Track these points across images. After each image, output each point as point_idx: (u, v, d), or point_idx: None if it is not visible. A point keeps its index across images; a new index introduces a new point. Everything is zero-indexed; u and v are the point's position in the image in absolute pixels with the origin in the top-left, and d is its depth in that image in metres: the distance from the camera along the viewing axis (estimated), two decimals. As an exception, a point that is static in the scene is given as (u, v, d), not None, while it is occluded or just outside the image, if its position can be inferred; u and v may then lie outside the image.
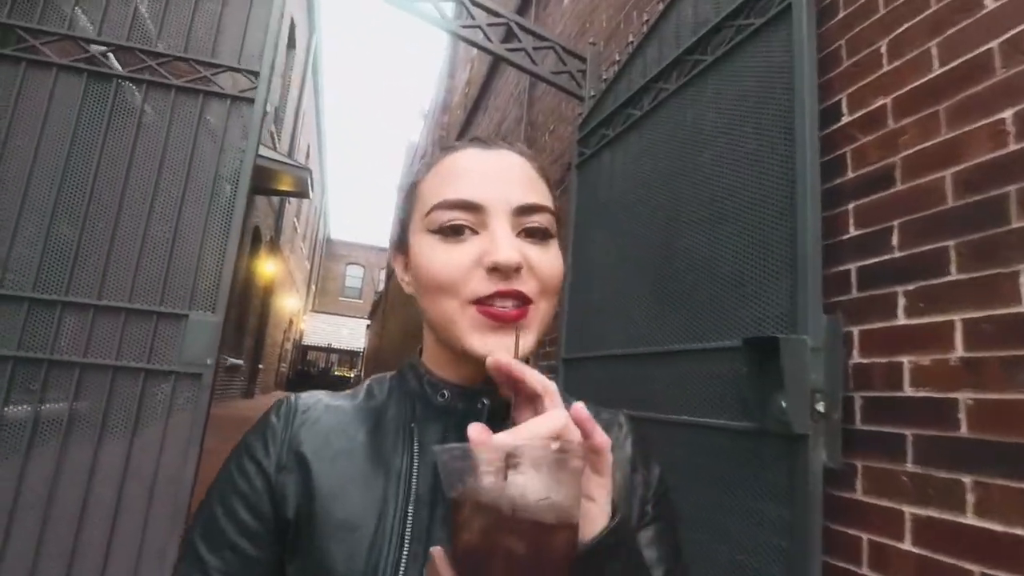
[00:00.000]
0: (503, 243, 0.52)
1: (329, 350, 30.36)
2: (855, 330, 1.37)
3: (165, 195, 1.81)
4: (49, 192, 1.74)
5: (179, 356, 1.68)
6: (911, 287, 1.26)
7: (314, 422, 0.60)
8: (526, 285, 0.53)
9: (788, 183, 1.46)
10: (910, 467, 1.21)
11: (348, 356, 30.83)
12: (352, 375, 28.29)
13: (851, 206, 1.43)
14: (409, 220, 0.60)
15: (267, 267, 12.07)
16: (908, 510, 1.20)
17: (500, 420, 0.54)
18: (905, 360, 1.25)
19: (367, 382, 0.68)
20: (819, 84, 1.51)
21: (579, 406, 0.43)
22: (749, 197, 1.60)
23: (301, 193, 9.91)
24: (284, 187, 9.56)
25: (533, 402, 0.46)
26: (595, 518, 0.44)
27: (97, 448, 1.63)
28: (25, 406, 1.63)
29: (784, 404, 1.31)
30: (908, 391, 1.23)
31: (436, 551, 0.44)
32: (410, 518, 0.54)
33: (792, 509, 1.30)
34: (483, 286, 0.52)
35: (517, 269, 0.52)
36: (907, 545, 1.19)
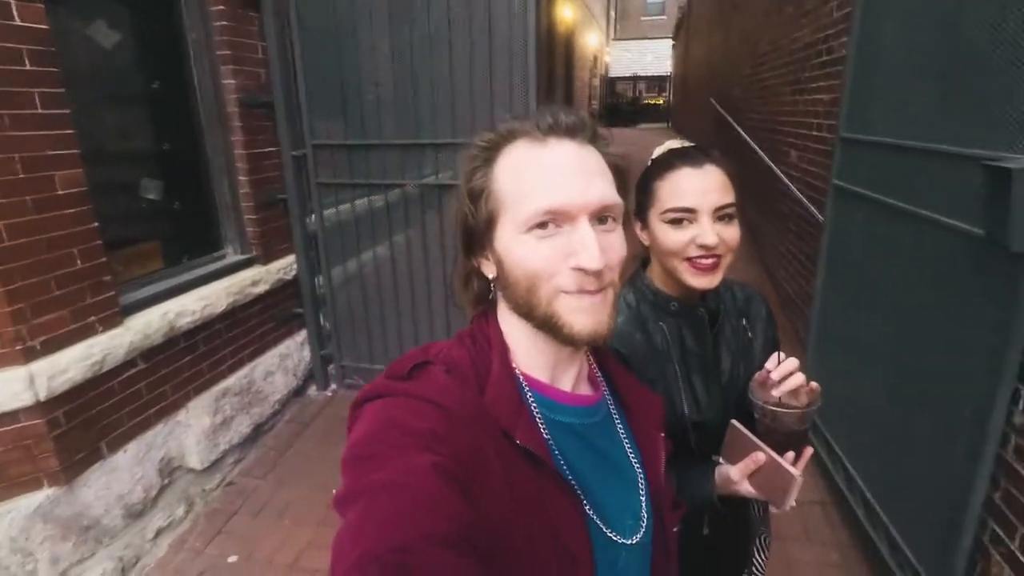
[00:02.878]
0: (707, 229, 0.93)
1: (635, 79, 29.79)
2: None
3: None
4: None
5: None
6: None
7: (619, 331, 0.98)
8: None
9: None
10: None
11: (656, 82, 29.86)
12: (661, 102, 27.70)
13: None
14: (650, 208, 0.98)
15: (564, 12, 12.15)
16: None
17: (712, 322, 1.02)
18: None
19: (623, 296, 1.04)
20: None
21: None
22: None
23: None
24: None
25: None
26: None
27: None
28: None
29: None
30: None
31: (735, 422, 0.89)
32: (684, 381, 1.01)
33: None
34: (695, 254, 0.94)
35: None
36: None
